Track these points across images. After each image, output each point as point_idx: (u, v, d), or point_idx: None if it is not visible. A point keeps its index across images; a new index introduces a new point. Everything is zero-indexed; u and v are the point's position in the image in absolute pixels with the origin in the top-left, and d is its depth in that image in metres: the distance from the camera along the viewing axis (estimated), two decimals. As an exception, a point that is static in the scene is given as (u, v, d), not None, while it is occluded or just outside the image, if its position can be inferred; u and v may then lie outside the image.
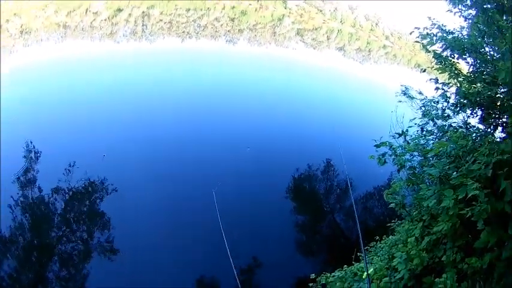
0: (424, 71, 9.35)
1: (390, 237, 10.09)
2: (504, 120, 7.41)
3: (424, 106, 9.32)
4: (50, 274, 10.04)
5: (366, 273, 5.33)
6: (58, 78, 21.31)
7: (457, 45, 7.57)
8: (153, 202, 12.83)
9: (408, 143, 8.44)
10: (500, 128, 7.61)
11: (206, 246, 10.75)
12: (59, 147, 14.43)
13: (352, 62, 55.80)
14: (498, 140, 7.22)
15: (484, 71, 7.66)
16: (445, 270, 6.05)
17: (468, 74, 7.83)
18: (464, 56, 7.75)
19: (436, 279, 5.89)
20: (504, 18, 7.15)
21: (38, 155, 13.70)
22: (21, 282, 9.83)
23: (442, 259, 6.26)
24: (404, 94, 10.12)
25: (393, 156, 8.08)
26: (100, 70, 24.25)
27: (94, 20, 37.87)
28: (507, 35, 6.04)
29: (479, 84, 7.49)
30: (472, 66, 7.91)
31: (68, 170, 13.18)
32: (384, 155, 8.11)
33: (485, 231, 5.40)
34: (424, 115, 9.06)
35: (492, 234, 5.39)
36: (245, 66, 34.42)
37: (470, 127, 7.95)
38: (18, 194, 11.88)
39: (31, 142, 13.92)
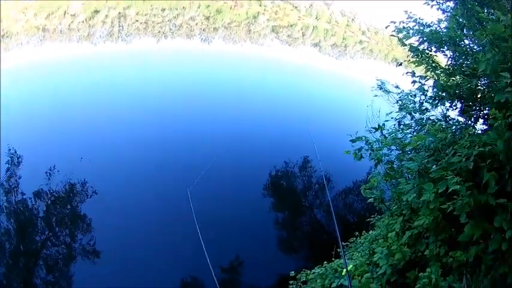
0: (401, 64, 9.30)
1: (370, 232, 10.02)
2: (485, 112, 7.39)
3: (400, 100, 9.30)
4: (35, 279, 9.91)
5: (345, 270, 5.25)
6: (36, 81, 20.96)
7: (434, 38, 7.53)
8: (132, 204, 12.69)
9: (385, 137, 8.39)
10: (481, 120, 7.61)
11: (186, 246, 10.60)
12: (38, 151, 14.17)
13: (328, 58, 56.14)
14: (479, 132, 7.21)
15: (463, 63, 7.64)
16: (428, 265, 6.01)
17: (446, 67, 7.80)
18: (442, 49, 7.71)
19: (420, 274, 5.85)
20: (485, 11, 7.13)
21: (20, 159, 13.45)
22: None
23: (425, 253, 6.21)
24: (380, 88, 10.11)
25: (370, 151, 8.04)
26: (77, 72, 23.86)
27: (72, 22, 37.54)
28: (488, 27, 5.99)
29: (458, 77, 7.46)
30: (450, 59, 7.87)
31: (49, 173, 12.99)
32: (360, 149, 8.03)
33: (469, 225, 5.36)
34: (401, 109, 9.03)
35: (476, 227, 5.34)
36: (220, 65, 34.25)
37: (450, 120, 7.92)
38: (1, 199, 11.73)
39: (12, 147, 13.64)
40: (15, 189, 12.23)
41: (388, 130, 8.65)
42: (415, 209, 6.95)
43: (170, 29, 47.40)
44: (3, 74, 19.38)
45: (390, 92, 9.93)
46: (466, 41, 7.60)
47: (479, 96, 7.39)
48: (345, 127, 12.07)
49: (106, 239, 11.05)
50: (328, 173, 15.67)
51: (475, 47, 7.47)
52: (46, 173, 12.92)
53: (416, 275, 6.03)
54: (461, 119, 7.82)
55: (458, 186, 5.25)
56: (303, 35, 71.17)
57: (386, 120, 9.07)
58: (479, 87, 7.31)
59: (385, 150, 8.00)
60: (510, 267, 5.36)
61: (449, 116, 8.04)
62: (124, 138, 16.61)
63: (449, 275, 5.74)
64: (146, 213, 12.40)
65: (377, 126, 8.78)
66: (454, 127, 7.37)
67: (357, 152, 8.04)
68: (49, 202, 12.17)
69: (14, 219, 11.39)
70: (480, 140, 5.59)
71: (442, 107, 8.08)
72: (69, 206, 12.43)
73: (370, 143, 8.06)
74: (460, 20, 7.39)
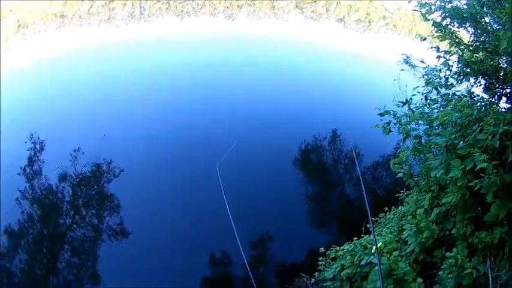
0: (425, 39, 9.20)
1: (399, 208, 10.03)
2: (508, 90, 7.33)
3: (426, 74, 9.21)
4: (62, 263, 10.29)
5: (374, 247, 5.30)
6: (57, 68, 21.31)
7: (456, 14, 7.45)
8: (160, 182, 12.94)
9: (413, 111, 8.35)
10: (504, 98, 7.53)
11: (215, 222, 10.70)
12: (63, 136, 14.48)
13: (353, 34, 55.23)
14: (503, 110, 7.15)
15: (485, 40, 7.54)
16: (455, 244, 6.04)
17: (469, 43, 7.72)
18: (464, 25, 7.64)
19: (446, 253, 5.90)
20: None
21: (43, 144, 13.75)
22: (35, 273, 10.05)
23: (452, 232, 6.25)
24: (406, 63, 10.02)
25: (398, 125, 8.01)
26: (100, 56, 24.01)
27: (91, 6, 37.37)
28: (506, 5, 5.91)
29: (481, 53, 7.39)
30: (472, 36, 7.79)
31: (74, 156, 13.29)
32: (388, 123, 8.02)
33: (495, 204, 5.37)
34: (427, 83, 8.96)
35: (502, 207, 5.35)
36: (246, 42, 33.86)
37: (475, 96, 7.86)
38: (25, 185, 12.11)
39: (35, 132, 13.99)
40: (40, 174, 12.64)
41: (415, 104, 8.62)
42: (443, 185, 6.95)
43: (193, 8, 46.96)
44: (25, 62, 19.73)
45: (416, 66, 9.85)
46: (487, 19, 7.48)
47: (501, 74, 7.32)
48: (372, 101, 12.01)
49: (135, 218, 11.42)
50: (356, 147, 15.61)
51: (496, 26, 7.35)
52: (71, 155, 13.31)
53: (443, 255, 6.07)
54: (485, 95, 7.76)
55: (486, 164, 5.26)
56: (327, 11, 69.93)
57: (414, 95, 9.00)
58: (502, 65, 7.23)
59: (412, 125, 7.97)
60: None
61: (473, 92, 7.97)
62: (151, 118, 16.78)
63: (474, 256, 5.77)
64: (176, 190, 12.67)
65: (404, 101, 8.76)
66: (478, 104, 7.32)
67: (385, 125, 8.04)
68: (76, 183, 12.52)
69: (41, 203, 11.80)
70: (504, 118, 5.57)
71: (467, 83, 8.03)
72: (96, 187, 12.82)
73: (398, 117, 8.03)
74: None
